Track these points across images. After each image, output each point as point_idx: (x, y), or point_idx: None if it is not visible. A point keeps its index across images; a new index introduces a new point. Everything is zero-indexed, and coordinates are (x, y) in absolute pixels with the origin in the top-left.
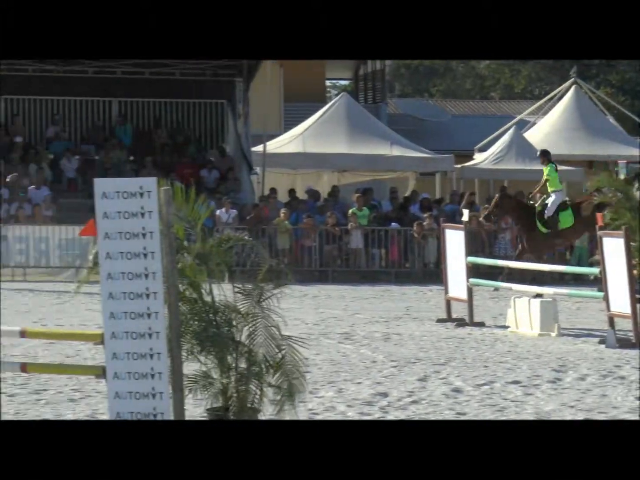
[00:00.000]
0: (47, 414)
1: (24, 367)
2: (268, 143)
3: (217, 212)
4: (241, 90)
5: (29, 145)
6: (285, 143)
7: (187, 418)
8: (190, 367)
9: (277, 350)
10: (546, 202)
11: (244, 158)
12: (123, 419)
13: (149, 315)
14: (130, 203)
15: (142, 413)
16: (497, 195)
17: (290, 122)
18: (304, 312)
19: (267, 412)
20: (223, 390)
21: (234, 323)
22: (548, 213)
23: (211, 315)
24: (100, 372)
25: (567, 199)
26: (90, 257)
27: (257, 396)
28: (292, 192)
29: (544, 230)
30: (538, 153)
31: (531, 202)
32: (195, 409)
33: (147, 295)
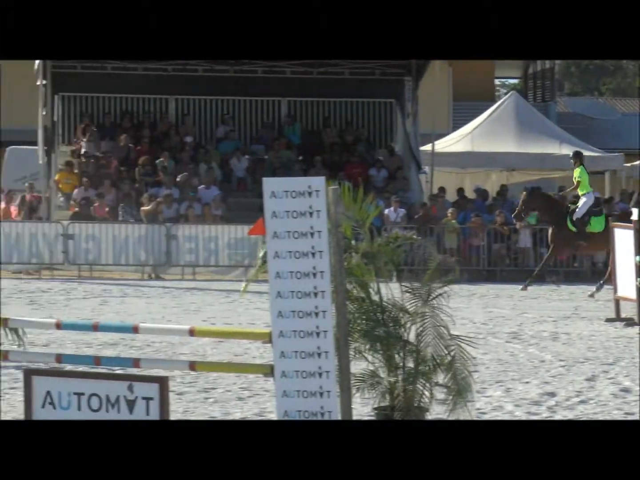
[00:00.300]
0: (215, 412)
1: (193, 366)
2: (436, 142)
3: (386, 211)
4: (410, 89)
5: (199, 145)
6: (453, 142)
7: (354, 417)
8: (357, 366)
9: (445, 350)
10: (578, 203)
11: (412, 157)
12: (291, 417)
13: (316, 314)
14: (299, 202)
15: (309, 412)
16: (524, 192)
17: (458, 121)
18: (472, 312)
19: (435, 412)
20: (390, 389)
21: (402, 322)
22: (578, 215)
23: (379, 314)
24: (268, 370)
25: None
26: (259, 256)
27: (425, 396)
28: (460, 191)
29: (572, 228)
30: (571, 154)
31: (560, 194)
32: (363, 408)
33: (315, 294)
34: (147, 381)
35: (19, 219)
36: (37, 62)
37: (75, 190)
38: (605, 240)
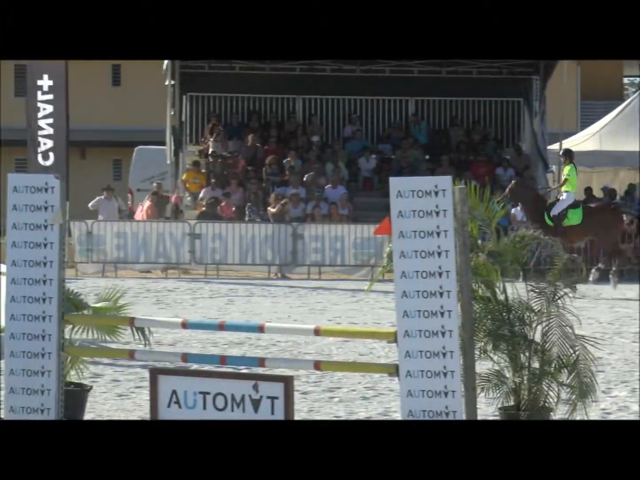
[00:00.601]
0: (340, 412)
1: (318, 365)
2: (564, 141)
3: (512, 210)
4: (538, 88)
5: (326, 144)
6: (581, 141)
7: (479, 417)
8: (482, 366)
9: (570, 350)
10: (558, 198)
11: (539, 156)
12: (415, 417)
13: (442, 313)
14: (425, 202)
15: (434, 411)
16: (512, 182)
17: (586, 120)
18: (598, 311)
19: (560, 412)
20: (515, 389)
21: (528, 321)
22: (555, 211)
23: (504, 313)
24: (393, 370)
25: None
26: (385, 256)
27: (550, 396)
28: (588, 190)
29: (549, 223)
30: (561, 152)
31: (547, 189)
32: (487, 408)
33: (441, 294)
34: (272, 380)
35: (145, 218)
36: (165, 62)
37: (203, 190)
38: (583, 231)
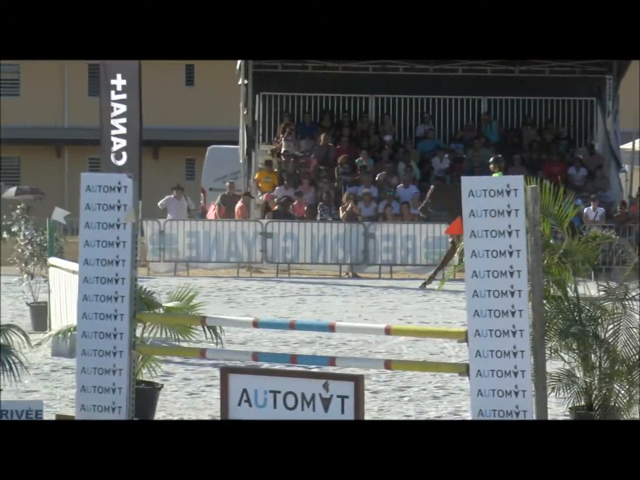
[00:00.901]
0: (410, 411)
1: (388, 364)
2: (637, 140)
3: (584, 210)
4: (611, 87)
5: (398, 143)
6: None
7: (549, 417)
8: (553, 365)
9: (634, 351)
10: None
11: (612, 156)
12: (486, 417)
13: (513, 313)
14: (497, 201)
15: (504, 411)
16: (432, 186)
17: None
18: None
19: (632, 412)
20: (586, 389)
21: (599, 321)
22: None
23: (575, 313)
24: (463, 369)
25: None
26: (456, 255)
27: (621, 396)
28: None
29: None
30: (491, 159)
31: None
32: (558, 408)
33: (512, 293)
34: (343, 379)
35: (218, 217)
36: (238, 62)
37: (275, 189)
38: None
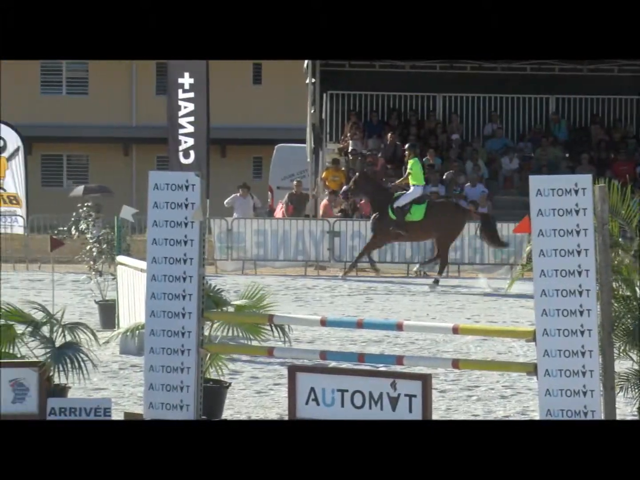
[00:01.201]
0: (478, 411)
1: (456, 363)
2: None
3: None
4: None
5: (466, 142)
6: None
7: (617, 417)
8: (621, 365)
9: None
10: (404, 192)
11: None
12: (554, 416)
13: (581, 312)
14: (565, 200)
15: (572, 411)
16: (356, 174)
17: None
18: None
19: None
20: None
21: None
22: (399, 203)
23: None
24: (531, 369)
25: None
26: (524, 255)
27: None
28: None
29: (393, 217)
30: (406, 146)
31: (392, 184)
32: (626, 408)
33: (580, 293)
34: (411, 378)
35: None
36: (306, 61)
37: (342, 188)
38: (424, 228)
